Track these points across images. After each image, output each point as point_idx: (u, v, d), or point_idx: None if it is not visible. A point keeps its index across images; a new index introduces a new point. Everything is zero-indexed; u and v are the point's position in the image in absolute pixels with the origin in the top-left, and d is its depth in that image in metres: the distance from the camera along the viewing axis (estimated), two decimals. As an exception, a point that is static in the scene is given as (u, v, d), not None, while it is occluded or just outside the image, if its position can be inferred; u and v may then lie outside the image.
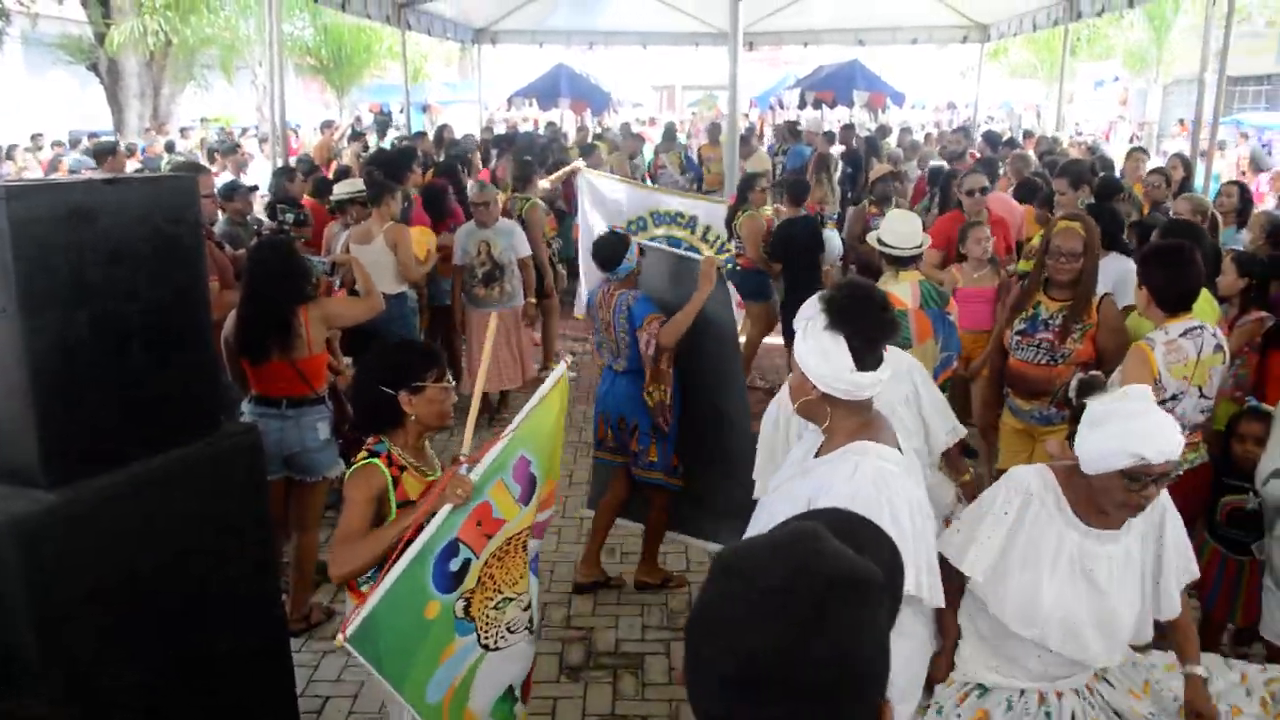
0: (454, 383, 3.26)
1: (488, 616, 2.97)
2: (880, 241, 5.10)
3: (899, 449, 2.62)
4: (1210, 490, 4.23)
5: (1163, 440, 2.47)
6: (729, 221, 7.94)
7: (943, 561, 2.68)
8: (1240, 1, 22.72)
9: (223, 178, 10.89)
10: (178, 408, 3.12)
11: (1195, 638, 2.89)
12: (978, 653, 2.86)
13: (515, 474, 3.05)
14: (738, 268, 7.80)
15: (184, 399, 3.15)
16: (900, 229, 5.09)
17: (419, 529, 2.82)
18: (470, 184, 8.21)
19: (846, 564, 1.22)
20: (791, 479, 2.69)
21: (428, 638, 2.79)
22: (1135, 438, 2.48)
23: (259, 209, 8.53)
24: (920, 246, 5.12)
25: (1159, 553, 2.72)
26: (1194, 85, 9.83)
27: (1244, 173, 13.88)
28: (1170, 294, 3.89)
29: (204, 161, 12.65)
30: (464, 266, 7.31)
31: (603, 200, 8.15)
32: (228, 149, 12.34)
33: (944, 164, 10.74)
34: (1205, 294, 4.47)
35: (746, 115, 23.51)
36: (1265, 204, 11.11)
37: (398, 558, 2.73)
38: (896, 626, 2.48)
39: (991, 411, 5.14)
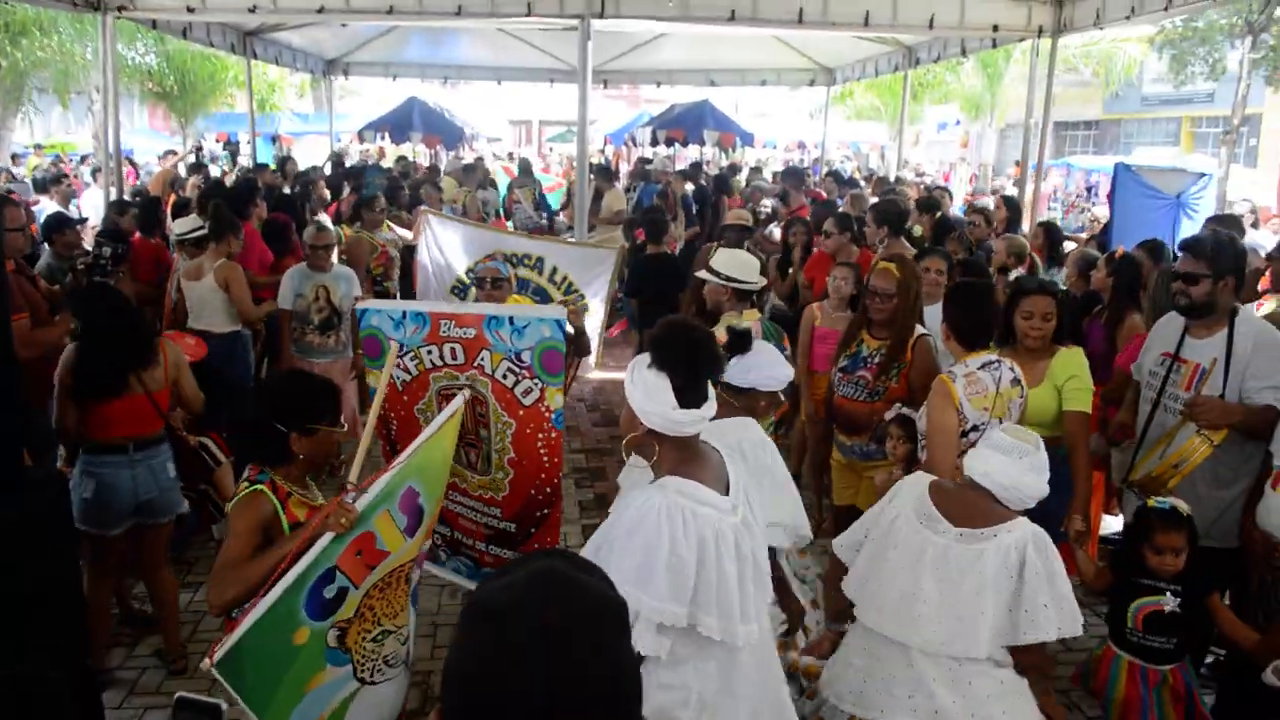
0: (345, 426, 3.20)
1: (365, 649, 2.91)
2: (716, 274, 5.11)
3: (726, 488, 2.67)
4: (1113, 592, 3.88)
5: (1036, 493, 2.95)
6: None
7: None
8: (1069, 52, 24.34)
9: (50, 209, 10.41)
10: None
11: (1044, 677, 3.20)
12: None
13: (402, 505, 3.00)
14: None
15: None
16: (740, 261, 5.15)
17: (297, 555, 2.74)
18: (309, 226, 7.85)
19: (605, 594, 1.29)
20: None
21: (294, 665, 2.72)
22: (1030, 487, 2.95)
23: (90, 242, 8.15)
24: (759, 282, 5.22)
25: (1018, 589, 2.93)
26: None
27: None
28: (967, 329, 4.06)
29: (32, 192, 12.07)
30: (293, 312, 6.61)
31: (446, 243, 8.08)
32: (52, 179, 11.76)
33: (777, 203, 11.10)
34: (1079, 351, 4.53)
35: (602, 151, 23.76)
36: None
37: (273, 585, 2.65)
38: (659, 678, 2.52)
39: (824, 446, 5.28)
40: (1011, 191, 16.40)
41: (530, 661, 1.18)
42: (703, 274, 5.18)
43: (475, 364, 4.00)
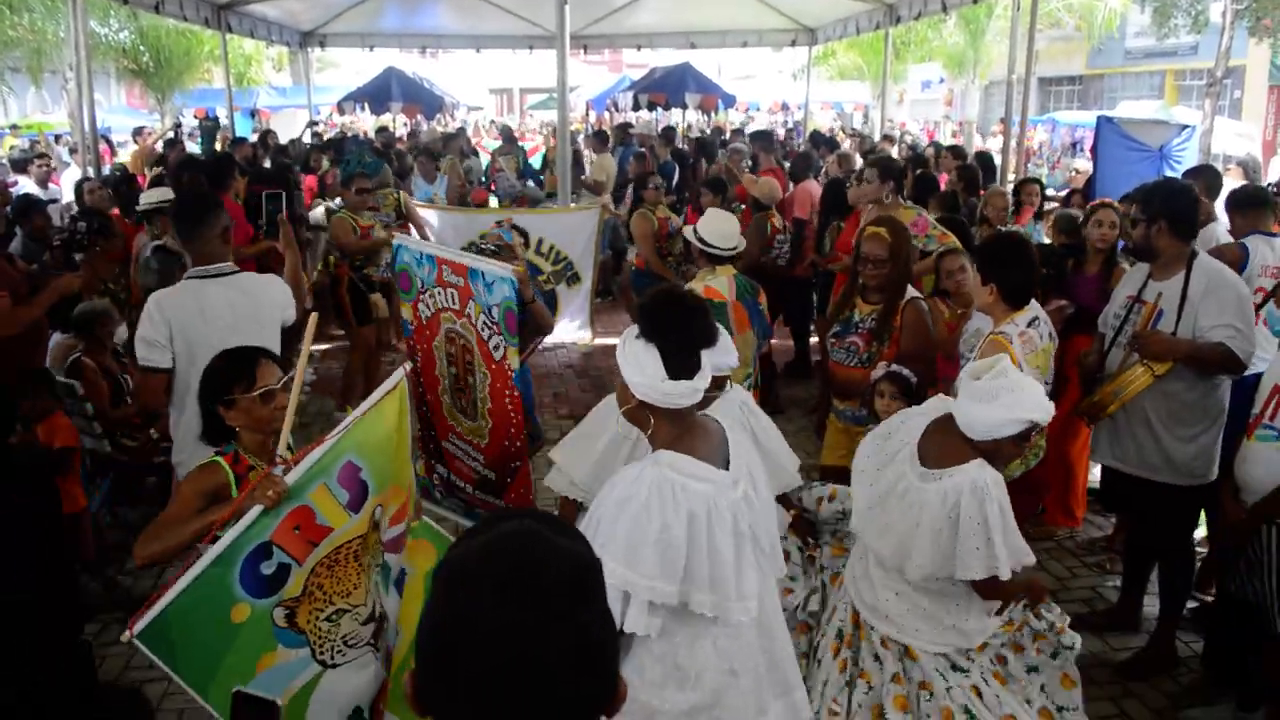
0: (278, 384, 3.08)
1: (320, 629, 2.82)
2: (701, 240, 5.13)
3: (726, 463, 2.60)
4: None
5: (1045, 403, 2.92)
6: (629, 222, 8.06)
7: None
8: (1050, 6, 24.20)
9: (29, 187, 10.32)
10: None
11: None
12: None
13: (341, 479, 2.89)
14: (634, 267, 7.89)
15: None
16: (721, 229, 5.15)
17: (223, 527, 2.68)
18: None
19: (578, 554, 1.28)
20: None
21: (236, 641, 2.65)
22: (1025, 408, 2.87)
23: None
24: (736, 248, 5.20)
25: (953, 528, 2.92)
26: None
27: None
28: (1018, 286, 4.02)
29: (10, 172, 11.95)
30: None
31: (429, 231, 8.03)
32: (27, 159, 11.65)
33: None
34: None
35: (585, 117, 23.62)
36: None
37: (198, 557, 2.60)
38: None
39: (819, 413, 5.31)
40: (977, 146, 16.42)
41: (500, 623, 1.17)
42: (685, 230, 5.24)
43: (465, 312, 4.13)
